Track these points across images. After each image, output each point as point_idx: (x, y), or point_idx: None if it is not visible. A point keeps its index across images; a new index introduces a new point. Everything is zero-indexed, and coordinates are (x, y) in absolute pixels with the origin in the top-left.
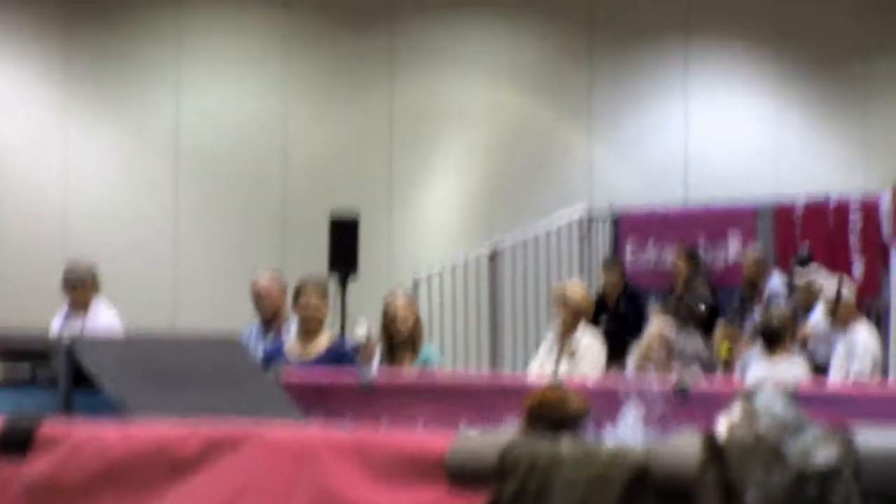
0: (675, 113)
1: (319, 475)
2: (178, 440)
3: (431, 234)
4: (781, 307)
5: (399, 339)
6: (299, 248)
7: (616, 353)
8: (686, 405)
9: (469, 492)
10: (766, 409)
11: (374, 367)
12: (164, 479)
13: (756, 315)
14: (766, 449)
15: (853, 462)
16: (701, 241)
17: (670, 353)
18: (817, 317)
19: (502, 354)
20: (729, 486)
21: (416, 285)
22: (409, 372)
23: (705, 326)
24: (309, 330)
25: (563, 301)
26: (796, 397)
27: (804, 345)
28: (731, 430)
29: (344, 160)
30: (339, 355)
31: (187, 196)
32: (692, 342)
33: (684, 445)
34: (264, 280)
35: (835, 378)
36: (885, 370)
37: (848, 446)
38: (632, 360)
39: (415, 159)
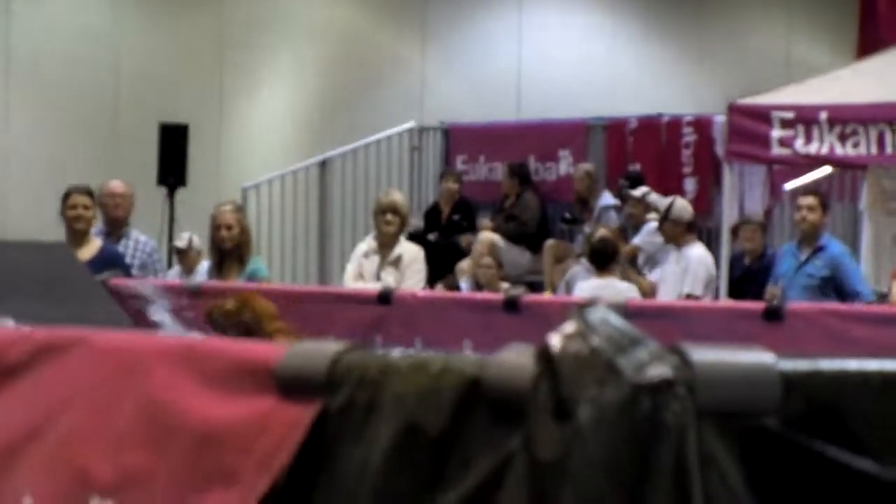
0: (508, 29)
1: (148, 382)
2: (5, 344)
3: (262, 146)
4: (610, 226)
5: (226, 250)
6: (129, 160)
7: (447, 265)
8: (516, 317)
9: (299, 403)
10: (600, 324)
11: (202, 275)
12: None
13: (587, 230)
14: (600, 364)
15: (688, 378)
16: (532, 158)
17: (499, 266)
18: (647, 234)
19: (330, 265)
20: (562, 402)
21: (244, 195)
22: (234, 282)
23: (535, 242)
24: (77, 232)
25: (395, 210)
26: (626, 313)
27: (633, 261)
28: (565, 344)
29: (175, 72)
30: (111, 258)
31: (17, 110)
32: (521, 257)
33: (517, 358)
34: (119, 184)
35: (666, 294)
36: (717, 290)
37: (683, 362)
38: (460, 272)
39: (247, 71)
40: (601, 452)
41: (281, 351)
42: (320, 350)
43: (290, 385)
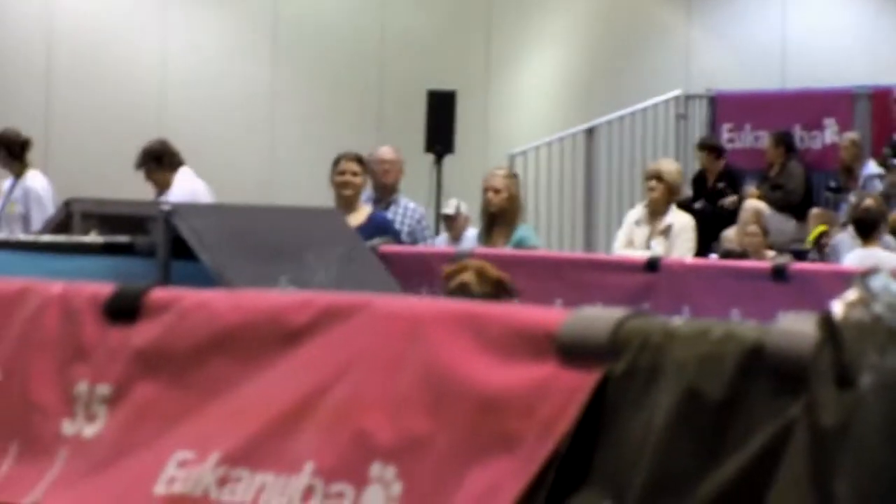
0: None
1: (429, 347)
2: (290, 309)
3: (529, 113)
4: (876, 194)
5: (493, 214)
6: (396, 125)
7: (713, 233)
8: (784, 286)
9: (581, 369)
10: (883, 291)
11: (470, 241)
12: (275, 347)
13: (852, 199)
14: (882, 331)
15: None
16: (797, 126)
17: (765, 234)
18: None
19: (596, 233)
20: (844, 369)
21: (511, 162)
22: (502, 249)
23: (800, 211)
24: (345, 198)
25: (658, 177)
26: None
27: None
28: (847, 311)
29: (441, 37)
30: (381, 225)
31: (284, 73)
32: (786, 225)
33: (800, 325)
34: (389, 151)
35: None
36: None
37: None
38: (726, 240)
39: (513, 38)
40: (883, 419)
41: (562, 316)
42: (602, 316)
43: (572, 350)
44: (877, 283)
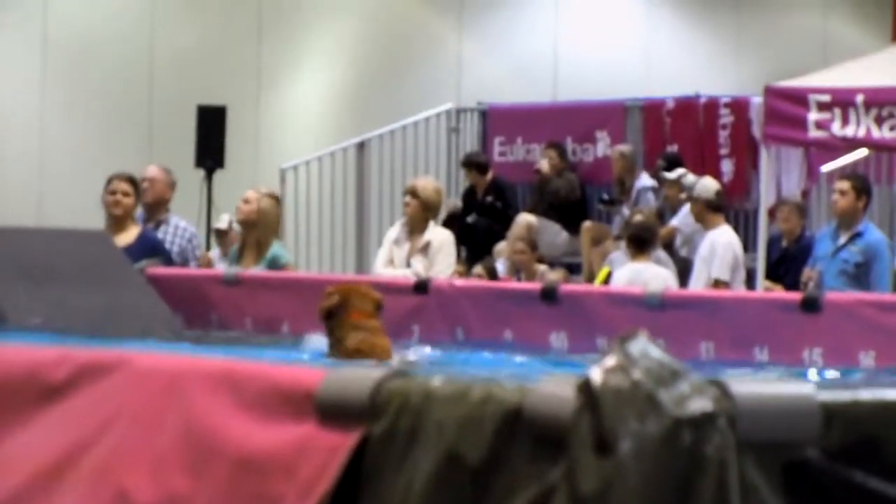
0: (545, 8)
1: (189, 405)
2: (48, 364)
3: (300, 127)
4: (649, 210)
5: (245, 226)
6: (166, 142)
7: (485, 248)
8: (555, 307)
9: (341, 429)
10: (641, 356)
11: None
12: (35, 403)
13: (625, 212)
14: (641, 398)
15: (729, 411)
16: (569, 139)
17: (534, 249)
18: (685, 215)
19: (368, 248)
20: (603, 435)
21: (283, 177)
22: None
23: (573, 223)
24: (117, 218)
25: (413, 193)
26: (663, 302)
27: (669, 244)
28: (606, 378)
29: (212, 52)
30: (150, 245)
31: (54, 92)
32: (557, 235)
33: (558, 389)
34: (154, 169)
35: (697, 279)
36: (752, 273)
37: (723, 395)
38: (497, 254)
39: (284, 52)
40: (642, 486)
41: (321, 375)
42: (361, 375)
43: (332, 411)
44: (635, 347)
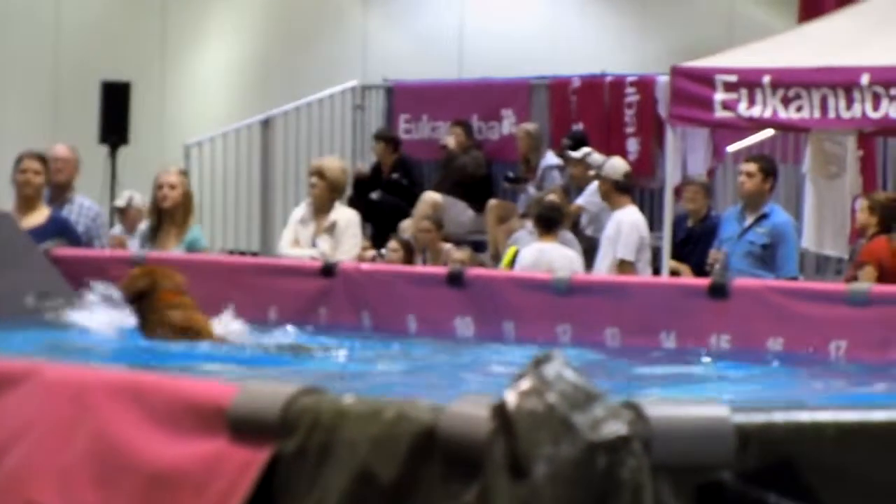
0: None
1: (98, 418)
2: None
3: (204, 103)
4: (555, 188)
5: (165, 211)
6: (71, 117)
7: (390, 226)
8: (461, 291)
9: (252, 445)
10: (556, 379)
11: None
12: None
13: (530, 190)
14: (555, 421)
15: (643, 434)
16: (475, 116)
17: (439, 227)
18: (591, 194)
19: (273, 226)
20: (518, 459)
21: (187, 153)
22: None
23: (478, 201)
24: (27, 198)
25: (321, 174)
26: (570, 287)
27: (576, 223)
28: (521, 401)
29: (116, 27)
30: (61, 226)
31: None
32: (462, 213)
33: (472, 410)
34: (63, 149)
35: (603, 259)
36: (657, 252)
37: (638, 417)
38: (402, 231)
39: (188, 28)
40: None
41: (233, 390)
42: (274, 391)
43: (243, 426)
44: (550, 370)
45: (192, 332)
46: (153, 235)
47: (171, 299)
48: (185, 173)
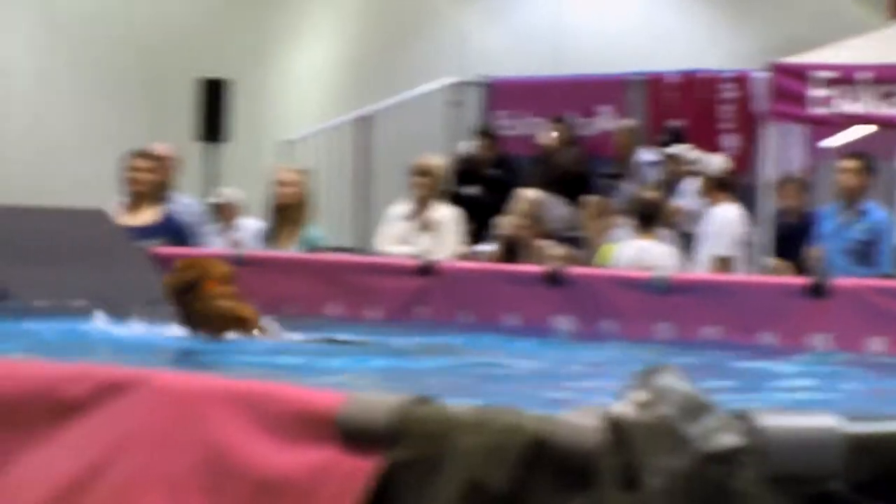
0: None
1: (208, 427)
2: (66, 381)
3: (301, 100)
4: (653, 184)
5: (282, 208)
6: (169, 116)
7: (483, 221)
8: (560, 290)
9: (362, 455)
10: (669, 390)
11: (249, 233)
12: (50, 421)
13: (627, 187)
14: (669, 432)
15: (755, 445)
16: (571, 113)
17: (538, 223)
18: (689, 191)
19: (369, 222)
20: (630, 471)
21: (285, 150)
22: (288, 250)
23: (575, 197)
24: (136, 195)
25: (424, 172)
26: (669, 286)
27: (673, 222)
28: (634, 411)
29: (213, 24)
30: (177, 226)
31: (57, 67)
32: (559, 210)
33: (583, 421)
34: (165, 147)
35: (701, 257)
36: (755, 249)
37: (751, 428)
38: (499, 227)
39: (285, 25)
40: None
41: (342, 398)
42: (384, 401)
43: (353, 435)
44: (662, 381)
45: (242, 321)
46: (272, 236)
47: (217, 290)
48: (304, 171)
